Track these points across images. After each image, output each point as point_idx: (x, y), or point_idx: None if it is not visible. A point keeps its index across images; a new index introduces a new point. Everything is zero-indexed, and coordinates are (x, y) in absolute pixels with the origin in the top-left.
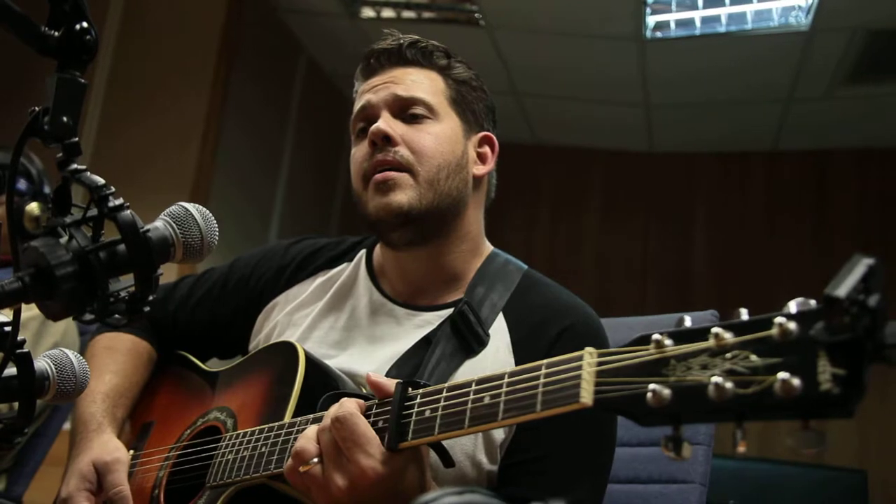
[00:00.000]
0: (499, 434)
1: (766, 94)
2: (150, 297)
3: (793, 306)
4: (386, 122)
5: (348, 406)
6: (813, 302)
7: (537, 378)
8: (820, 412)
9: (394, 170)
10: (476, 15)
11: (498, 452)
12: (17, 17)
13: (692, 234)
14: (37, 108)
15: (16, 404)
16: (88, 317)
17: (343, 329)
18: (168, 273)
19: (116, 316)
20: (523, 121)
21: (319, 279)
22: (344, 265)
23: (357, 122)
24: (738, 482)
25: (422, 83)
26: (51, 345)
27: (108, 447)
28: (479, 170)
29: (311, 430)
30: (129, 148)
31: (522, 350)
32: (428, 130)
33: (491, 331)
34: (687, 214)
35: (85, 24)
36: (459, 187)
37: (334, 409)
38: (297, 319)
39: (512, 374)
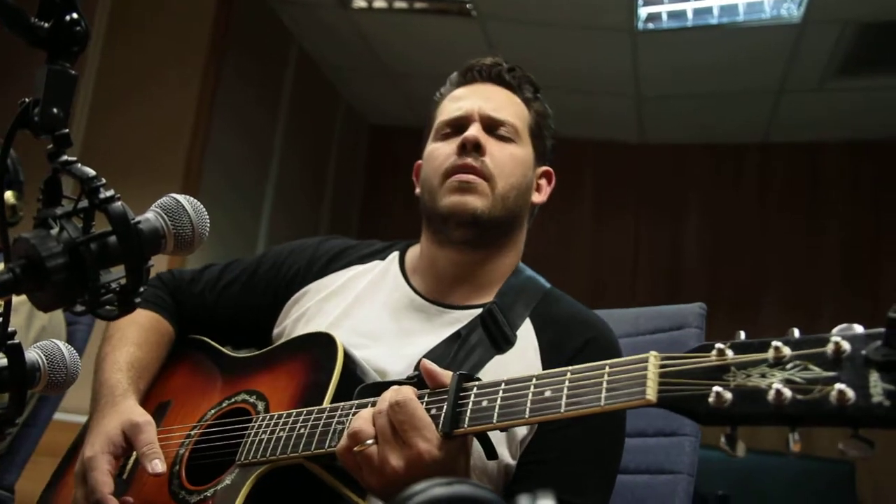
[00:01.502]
0: (521, 431)
1: (758, 86)
2: (141, 289)
3: (837, 330)
4: (478, 132)
5: (406, 392)
6: (857, 327)
7: (601, 375)
8: (870, 422)
9: (477, 174)
10: (468, 5)
11: (518, 448)
12: (7, 7)
13: (683, 225)
14: (27, 100)
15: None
16: (79, 308)
17: (374, 321)
18: (159, 265)
19: (108, 307)
20: None
21: (352, 272)
22: (376, 262)
23: (445, 125)
24: (727, 473)
25: (512, 107)
26: (39, 328)
27: (136, 411)
28: (536, 198)
29: (367, 412)
30: (118, 141)
31: (549, 354)
32: (511, 151)
33: (518, 333)
34: (678, 206)
35: (75, 16)
36: (521, 207)
37: (391, 394)
38: (328, 308)
39: (574, 371)
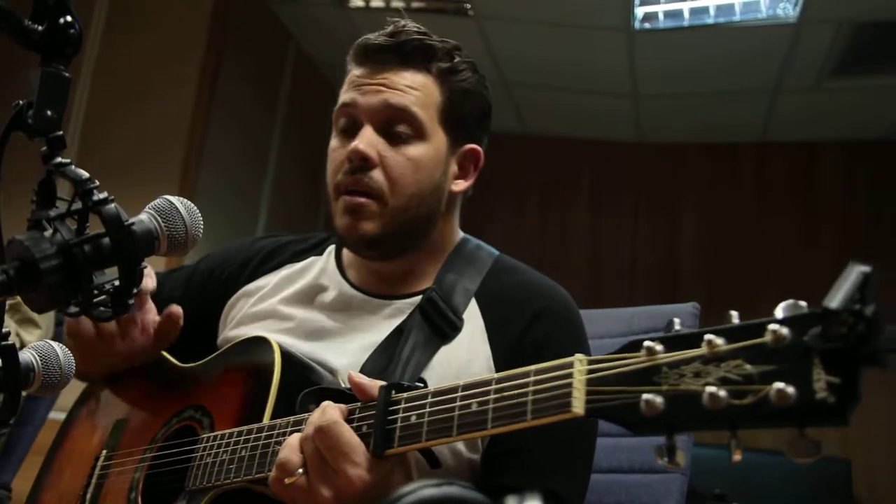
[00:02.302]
0: None
1: (755, 85)
2: (135, 290)
3: (782, 311)
4: (366, 142)
5: (331, 414)
6: (803, 304)
7: (526, 385)
8: (815, 421)
9: (364, 194)
10: (466, 5)
11: (479, 442)
12: (1, 11)
13: (680, 224)
14: (21, 102)
15: None
16: (73, 309)
17: (313, 321)
18: (156, 266)
19: (101, 309)
20: (512, 111)
21: (285, 272)
22: (312, 258)
23: (339, 116)
24: (723, 471)
25: (415, 93)
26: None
27: None
28: (458, 186)
29: (294, 439)
30: (115, 140)
31: (497, 334)
32: (409, 154)
33: (464, 316)
34: (675, 205)
35: (69, 18)
36: (432, 209)
37: (317, 418)
38: (261, 311)
39: (499, 381)
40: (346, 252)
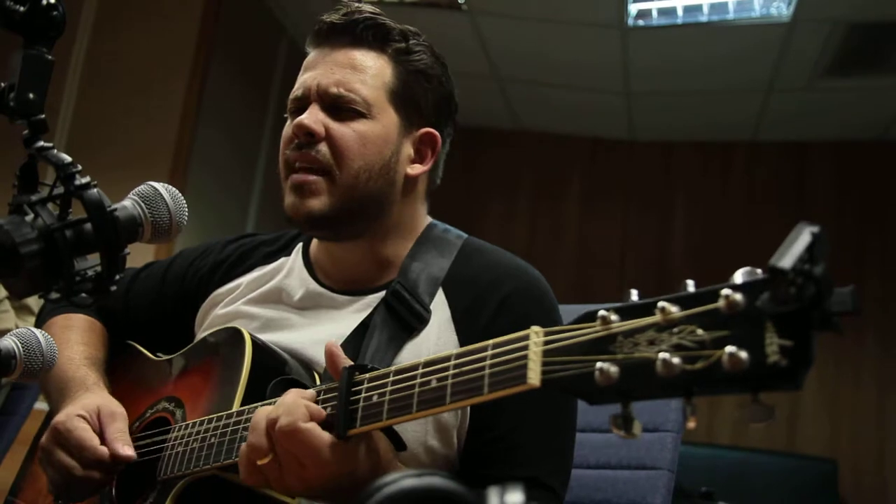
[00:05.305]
0: (450, 418)
1: (747, 84)
2: (117, 276)
3: (739, 276)
4: (311, 117)
5: (298, 414)
6: (760, 271)
7: (483, 359)
8: (768, 385)
9: (312, 171)
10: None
11: (453, 437)
12: None
13: (671, 222)
14: (2, 84)
15: None
16: (54, 295)
17: (279, 319)
18: (145, 254)
19: (83, 295)
20: (504, 106)
21: (255, 273)
22: (282, 260)
23: (292, 101)
24: (711, 470)
25: (363, 73)
26: None
27: (114, 401)
28: (414, 170)
29: (262, 421)
30: (104, 137)
31: (464, 323)
32: (355, 128)
33: (432, 306)
34: (666, 203)
35: (52, 0)
36: (383, 189)
37: (285, 410)
38: (229, 313)
39: (458, 356)
40: (313, 249)
